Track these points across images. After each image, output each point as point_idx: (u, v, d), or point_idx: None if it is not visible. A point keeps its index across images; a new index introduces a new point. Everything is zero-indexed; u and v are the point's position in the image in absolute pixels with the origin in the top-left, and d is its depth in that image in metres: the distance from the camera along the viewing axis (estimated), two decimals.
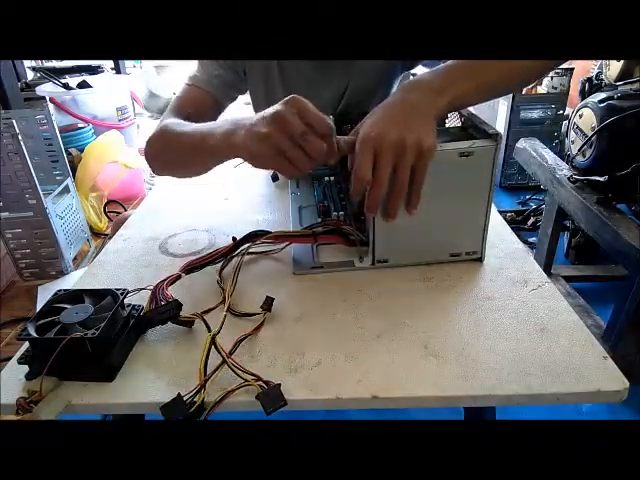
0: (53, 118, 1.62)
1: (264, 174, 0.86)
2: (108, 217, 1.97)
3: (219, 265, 0.56)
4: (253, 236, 0.56)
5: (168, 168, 0.65)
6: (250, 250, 0.57)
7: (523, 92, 2.00)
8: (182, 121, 0.61)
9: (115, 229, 0.75)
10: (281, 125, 0.44)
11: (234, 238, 0.56)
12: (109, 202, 2.01)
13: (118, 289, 0.45)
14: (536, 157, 1.36)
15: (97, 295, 0.45)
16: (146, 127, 3.08)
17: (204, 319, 0.44)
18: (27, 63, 2.84)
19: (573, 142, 1.23)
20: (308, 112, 0.44)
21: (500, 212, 0.70)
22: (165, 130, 0.61)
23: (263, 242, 0.57)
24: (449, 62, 0.51)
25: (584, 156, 1.17)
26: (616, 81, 1.21)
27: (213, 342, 0.41)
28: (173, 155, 0.61)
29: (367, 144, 0.45)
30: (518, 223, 1.83)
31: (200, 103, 0.70)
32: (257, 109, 0.80)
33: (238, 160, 0.51)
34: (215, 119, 0.72)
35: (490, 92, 0.53)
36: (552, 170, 1.27)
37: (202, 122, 0.56)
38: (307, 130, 0.44)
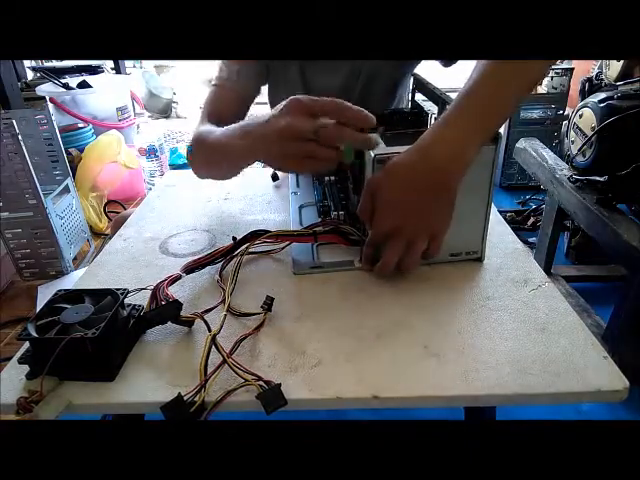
0: (53, 118, 1.62)
1: (264, 174, 0.86)
2: (108, 217, 1.97)
3: (219, 265, 0.56)
4: (253, 236, 0.56)
5: (206, 172, 0.70)
6: (250, 250, 0.57)
7: None
8: (211, 127, 0.63)
9: (115, 227, 0.75)
10: (291, 133, 0.48)
11: (234, 238, 0.56)
12: (109, 202, 2.01)
13: (118, 289, 0.45)
14: (536, 157, 1.36)
15: (97, 295, 0.45)
16: (146, 127, 3.08)
17: (204, 319, 0.44)
18: (27, 63, 2.84)
19: (573, 142, 1.23)
20: (347, 110, 0.47)
21: (500, 212, 0.70)
22: (197, 139, 0.65)
23: (263, 242, 0.57)
24: (461, 98, 0.47)
25: (584, 156, 1.17)
26: (616, 81, 1.21)
27: (213, 342, 0.41)
28: (207, 162, 0.66)
29: (382, 230, 0.49)
30: (518, 223, 1.83)
31: (228, 102, 0.73)
32: (272, 86, 0.82)
33: None
34: (246, 113, 0.76)
35: (512, 110, 0.60)
36: (552, 170, 1.27)
37: (234, 120, 0.58)
38: (318, 129, 0.47)
